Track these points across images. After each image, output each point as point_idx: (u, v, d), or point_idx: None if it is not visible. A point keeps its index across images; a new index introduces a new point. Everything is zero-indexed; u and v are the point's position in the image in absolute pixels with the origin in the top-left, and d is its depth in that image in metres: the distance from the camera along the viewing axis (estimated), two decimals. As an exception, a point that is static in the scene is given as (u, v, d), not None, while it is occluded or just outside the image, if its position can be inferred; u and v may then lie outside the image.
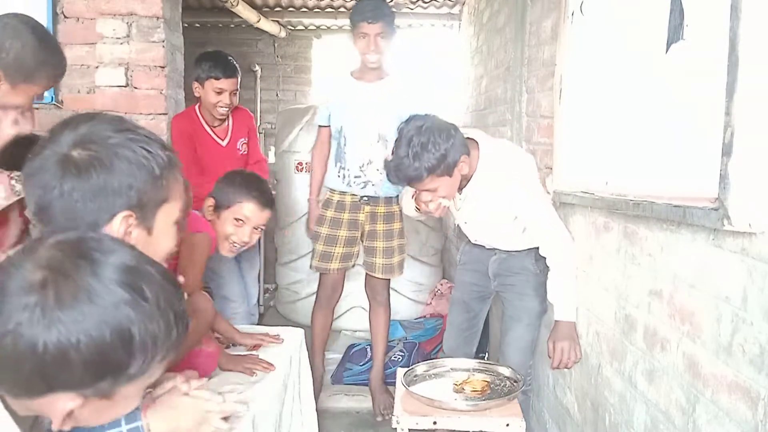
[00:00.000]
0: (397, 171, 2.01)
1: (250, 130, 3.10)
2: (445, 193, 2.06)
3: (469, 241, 2.45)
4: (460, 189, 2.17)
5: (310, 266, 3.07)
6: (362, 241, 2.97)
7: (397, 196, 2.90)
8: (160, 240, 1.12)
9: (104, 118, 1.10)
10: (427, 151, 1.95)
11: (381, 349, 3.13)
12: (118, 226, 1.05)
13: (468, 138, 2.11)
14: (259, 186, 2.05)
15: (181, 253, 1.80)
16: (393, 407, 2.95)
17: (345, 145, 2.85)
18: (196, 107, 2.94)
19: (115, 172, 1.03)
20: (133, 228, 1.07)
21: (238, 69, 2.91)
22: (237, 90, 2.90)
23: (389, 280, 3.06)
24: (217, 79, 2.81)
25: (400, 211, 2.90)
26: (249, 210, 1.98)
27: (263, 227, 2.06)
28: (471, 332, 2.48)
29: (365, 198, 2.88)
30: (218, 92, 2.83)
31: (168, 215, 1.13)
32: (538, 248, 2.14)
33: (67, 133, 1.04)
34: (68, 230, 0.99)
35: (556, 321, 2.08)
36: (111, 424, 1.08)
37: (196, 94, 2.89)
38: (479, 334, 2.52)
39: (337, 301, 3.11)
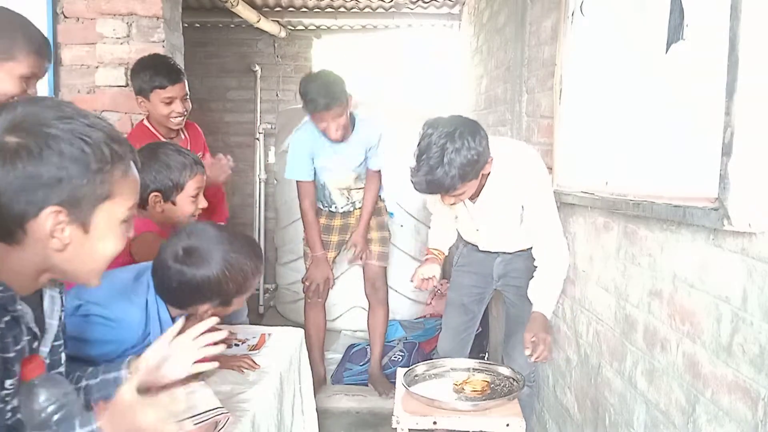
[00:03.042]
0: (431, 183, 1.87)
1: (204, 147, 2.79)
2: (469, 195, 2.04)
3: (467, 243, 2.45)
4: (473, 198, 2.13)
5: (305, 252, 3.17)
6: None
7: (379, 196, 3.18)
8: (99, 239, 1.04)
9: (47, 103, 1.00)
10: (461, 157, 1.84)
11: (379, 344, 3.29)
12: (44, 220, 0.97)
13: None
14: (186, 156, 1.99)
15: (137, 255, 1.81)
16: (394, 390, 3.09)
17: (330, 194, 3.08)
18: (145, 121, 2.54)
19: (44, 163, 0.94)
20: (64, 224, 0.98)
21: (183, 71, 2.55)
22: (187, 95, 2.51)
23: (386, 275, 3.23)
24: (162, 88, 2.40)
25: (384, 205, 3.22)
26: (199, 182, 1.98)
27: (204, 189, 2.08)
28: (467, 334, 2.48)
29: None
30: (168, 102, 2.42)
31: (111, 213, 1.04)
32: None
33: (3, 117, 0.96)
34: None
35: (534, 312, 2.04)
36: (66, 427, 1.04)
37: (142, 110, 2.51)
38: (473, 336, 2.52)
39: (327, 297, 3.21)
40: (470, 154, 1.85)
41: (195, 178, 1.97)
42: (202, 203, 2.02)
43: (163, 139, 2.51)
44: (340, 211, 3.13)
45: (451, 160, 1.84)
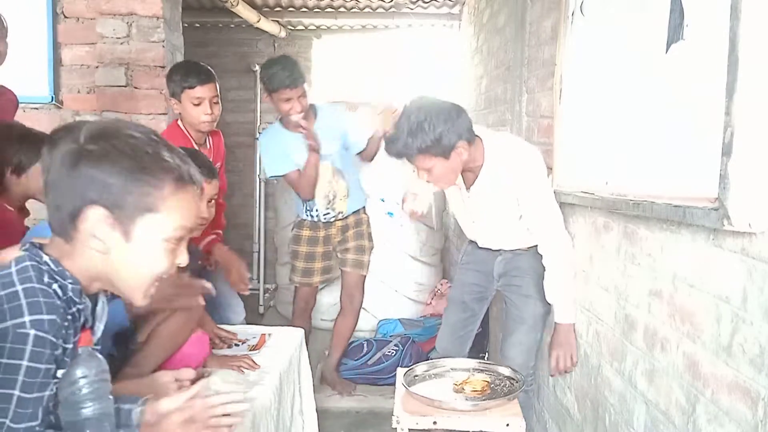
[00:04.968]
0: (390, 145, 2.03)
1: (222, 157, 2.82)
2: (439, 174, 2.05)
3: (471, 241, 2.45)
4: (468, 187, 2.18)
5: (290, 280, 3.31)
6: (336, 247, 3.22)
7: (363, 208, 3.24)
8: (141, 252, 1.08)
9: (126, 123, 1.11)
10: (422, 130, 1.95)
11: (340, 348, 3.37)
12: (87, 216, 1.04)
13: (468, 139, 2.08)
14: (195, 159, 1.93)
15: None
16: (353, 388, 3.31)
17: None
18: (179, 122, 2.58)
19: (100, 167, 1.03)
20: (104, 225, 1.05)
21: (214, 74, 2.58)
22: (217, 97, 2.56)
23: (363, 284, 3.28)
24: (191, 87, 2.47)
25: (368, 217, 3.23)
26: (203, 189, 1.95)
27: (215, 198, 2.06)
28: (466, 332, 2.47)
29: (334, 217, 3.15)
30: (197, 103, 2.49)
31: (153, 227, 1.08)
32: None
33: (86, 127, 1.06)
34: (55, 213, 1.05)
35: (555, 323, 2.09)
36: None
37: (176, 112, 2.57)
38: (473, 335, 2.51)
39: (312, 310, 3.34)
40: (430, 128, 1.96)
41: None
42: (202, 212, 1.95)
43: (194, 141, 2.55)
44: (323, 220, 3.14)
45: (412, 131, 1.97)
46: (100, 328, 1.19)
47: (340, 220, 3.16)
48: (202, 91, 2.49)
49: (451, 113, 2.01)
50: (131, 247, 1.07)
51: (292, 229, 3.31)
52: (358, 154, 3.12)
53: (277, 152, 2.98)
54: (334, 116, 3.04)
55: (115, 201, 1.04)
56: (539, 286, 2.20)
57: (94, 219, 1.04)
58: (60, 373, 1.06)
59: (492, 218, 2.24)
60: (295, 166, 2.97)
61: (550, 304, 2.18)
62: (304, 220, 3.19)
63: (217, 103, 2.56)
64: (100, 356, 1.15)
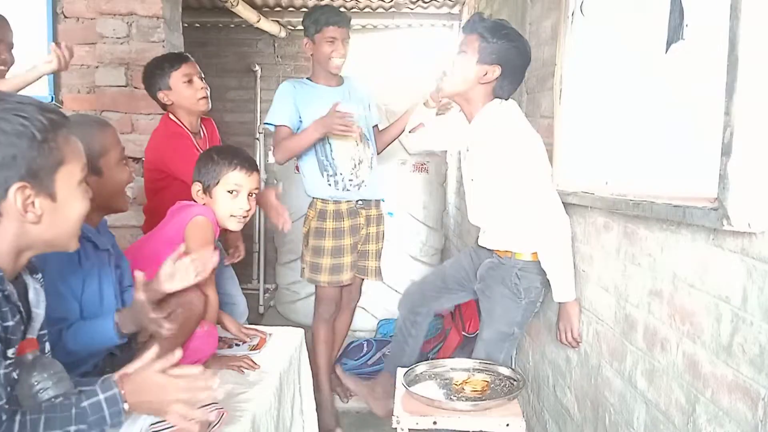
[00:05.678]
0: (479, 15, 2.20)
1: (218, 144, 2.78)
2: (461, 66, 2.14)
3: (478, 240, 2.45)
4: (470, 118, 2.22)
5: (310, 281, 2.92)
6: (360, 240, 2.94)
7: (382, 200, 3.04)
8: (67, 203, 1.12)
9: None
10: (499, 32, 2.10)
11: (338, 347, 3.24)
12: (13, 198, 1.04)
13: (497, 96, 2.17)
14: (237, 153, 2.02)
15: (186, 242, 1.81)
16: (353, 388, 3.07)
17: (332, 152, 2.80)
18: (170, 115, 2.55)
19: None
20: (32, 198, 1.06)
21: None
22: (201, 74, 2.57)
23: (362, 284, 3.11)
24: (178, 68, 2.50)
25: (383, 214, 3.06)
26: (237, 178, 1.97)
27: (257, 191, 2.05)
28: (431, 297, 2.47)
29: (360, 202, 2.88)
30: (188, 80, 2.50)
31: (69, 177, 1.12)
32: (529, 262, 2.13)
33: None
34: None
35: (560, 304, 2.09)
36: (88, 394, 1.10)
37: (169, 102, 2.52)
38: (437, 306, 2.53)
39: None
40: (501, 35, 2.09)
41: (232, 175, 1.96)
42: (242, 204, 1.98)
43: (189, 131, 2.56)
44: (347, 187, 2.83)
45: (496, 23, 2.13)
46: (38, 313, 1.19)
47: (363, 208, 2.89)
48: (188, 68, 2.52)
49: (517, 54, 2.11)
50: (59, 204, 1.11)
51: (306, 221, 2.91)
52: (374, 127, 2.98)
53: (288, 102, 2.77)
54: (360, 83, 2.95)
55: (29, 171, 1.05)
56: (506, 306, 2.18)
57: (20, 197, 1.05)
58: (10, 352, 1.06)
59: (483, 181, 2.22)
60: (298, 123, 2.76)
61: (513, 327, 2.20)
62: (325, 207, 2.84)
63: (204, 80, 2.58)
64: (50, 358, 1.16)
